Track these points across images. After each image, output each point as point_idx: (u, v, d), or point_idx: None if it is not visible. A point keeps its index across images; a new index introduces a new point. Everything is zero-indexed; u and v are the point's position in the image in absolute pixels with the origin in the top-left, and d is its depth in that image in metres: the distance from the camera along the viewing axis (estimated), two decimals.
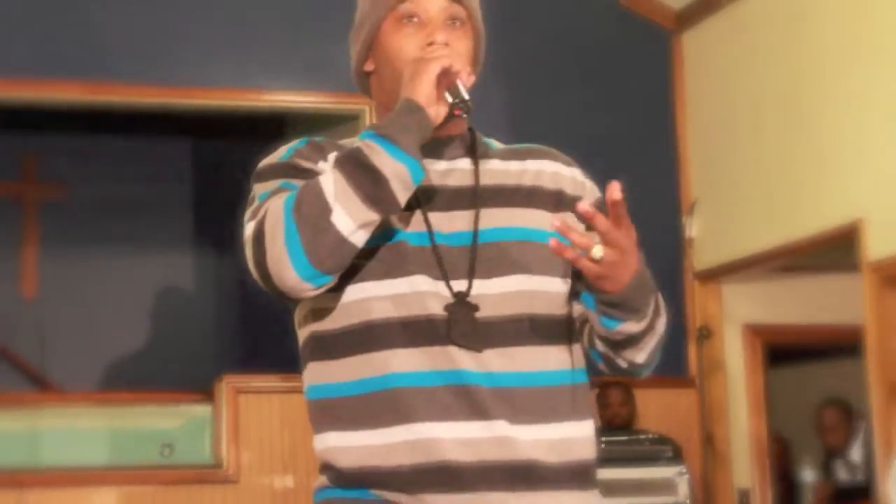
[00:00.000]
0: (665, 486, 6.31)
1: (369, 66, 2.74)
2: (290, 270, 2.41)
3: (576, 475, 2.65)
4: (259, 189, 2.60)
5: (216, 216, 10.06)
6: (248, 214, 2.56)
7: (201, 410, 8.27)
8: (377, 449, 2.56)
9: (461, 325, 2.54)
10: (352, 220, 2.41)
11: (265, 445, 8.12)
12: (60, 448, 8.01)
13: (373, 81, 2.75)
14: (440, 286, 2.55)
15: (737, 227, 8.86)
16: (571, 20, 9.30)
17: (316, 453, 2.70)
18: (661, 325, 2.71)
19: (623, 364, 2.74)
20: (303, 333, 2.74)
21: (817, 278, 9.19)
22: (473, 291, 2.56)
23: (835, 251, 8.29)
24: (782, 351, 9.66)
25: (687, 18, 9.38)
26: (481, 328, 2.55)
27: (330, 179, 2.42)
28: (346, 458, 2.61)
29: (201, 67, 8.49)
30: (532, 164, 2.78)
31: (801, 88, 8.36)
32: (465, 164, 2.74)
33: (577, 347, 2.72)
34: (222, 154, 10.07)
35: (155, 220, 9.99)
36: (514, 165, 2.77)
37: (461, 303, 2.55)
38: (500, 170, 2.75)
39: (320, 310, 2.63)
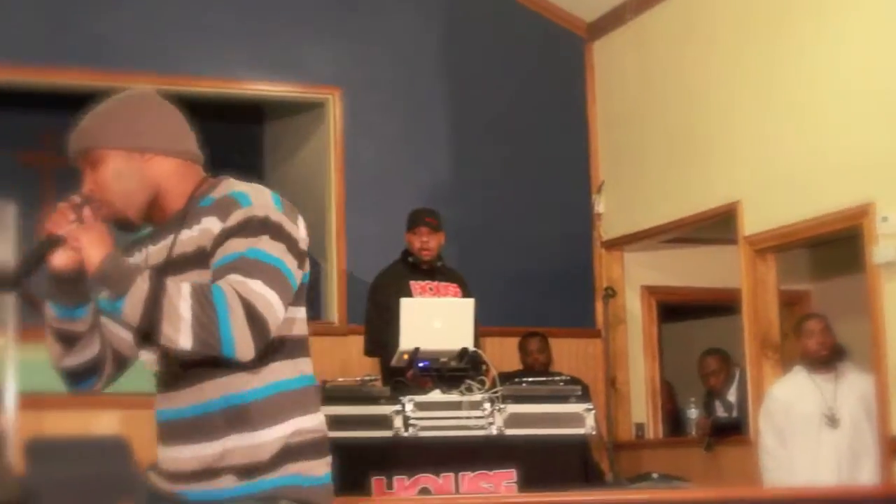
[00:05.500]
0: (575, 420, 6.34)
1: None
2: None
3: None
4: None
5: None
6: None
7: None
8: None
9: None
10: (54, 360, 2.84)
11: None
12: None
13: None
14: None
15: (637, 204, 8.93)
16: (501, 31, 9.32)
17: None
18: None
19: None
20: None
21: (702, 248, 9.28)
22: None
23: (717, 226, 8.38)
24: (673, 309, 9.73)
25: (597, 29, 9.43)
26: None
27: None
28: None
29: (189, 59, 8.47)
30: (189, 232, 2.77)
31: (690, 89, 8.45)
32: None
33: None
34: (208, 134, 9.96)
35: None
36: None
37: None
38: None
39: None
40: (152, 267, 2.72)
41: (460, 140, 9.09)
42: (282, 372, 2.72)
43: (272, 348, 2.67)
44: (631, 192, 9.04)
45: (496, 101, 9.24)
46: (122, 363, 2.91)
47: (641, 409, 9.10)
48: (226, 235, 2.66)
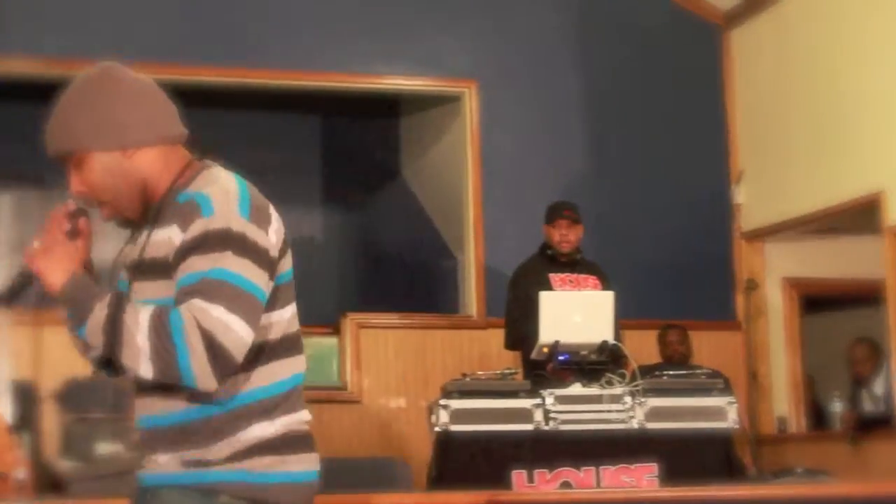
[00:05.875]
0: (717, 414, 6.27)
1: None
2: None
3: None
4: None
5: (341, 181, 10.09)
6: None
7: (329, 342, 8.37)
8: None
9: None
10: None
11: (382, 372, 8.19)
12: None
13: None
14: None
15: (778, 194, 8.81)
16: (636, 21, 9.24)
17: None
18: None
19: None
20: None
21: (845, 239, 9.10)
22: None
23: (860, 216, 8.22)
24: (815, 300, 9.58)
25: (734, 17, 9.30)
26: None
27: None
28: None
29: (326, 54, 8.54)
30: (158, 235, 2.68)
31: (834, 77, 8.31)
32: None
33: None
34: (346, 128, 10.09)
35: (288, 184, 9.99)
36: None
37: None
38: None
39: None
40: (126, 267, 2.70)
41: (597, 132, 9.04)
42: (252, 382, 2.65)
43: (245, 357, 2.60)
44: (772, 182, 8.91)
45: (632, 93, 9.17)
46: None
47: (783, 403, 8.98)
48: (186, 251, 2.56)
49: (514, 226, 8.31)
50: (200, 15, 8.32)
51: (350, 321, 8.25)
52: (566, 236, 7.00)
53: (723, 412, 6.29)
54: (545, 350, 6.31)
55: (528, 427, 6.09)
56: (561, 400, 6.13)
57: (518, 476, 5.98)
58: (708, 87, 9.35)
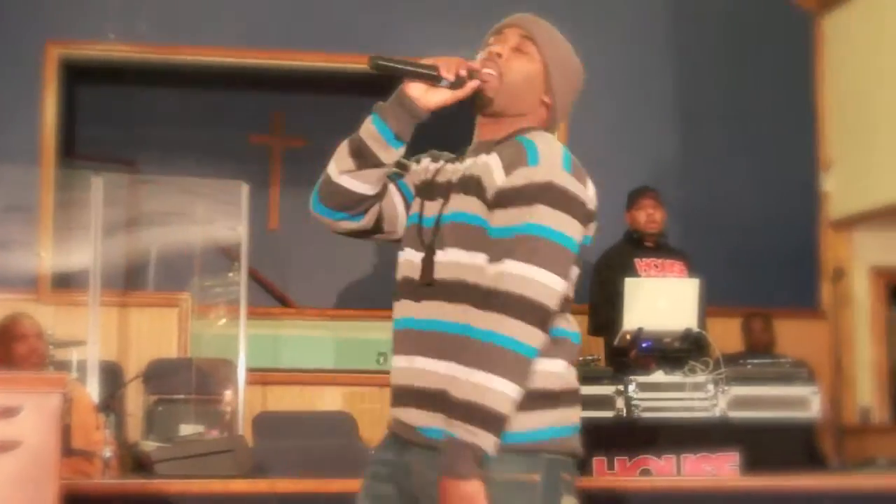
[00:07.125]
0: (800, 403, 6.22)
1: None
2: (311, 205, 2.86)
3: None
4: None
5: None
6: None
7: None
8: None
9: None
10: (335, 167, 2.78)
11: None
12: (297, 354, 8.20)
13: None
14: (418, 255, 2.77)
15: (867, 183, 8.69)
16: (726, 6, 9.15)
17: None
18: None
19: None
20: None
21: None
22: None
23: None
24: None
25: (827, 3, 9.17)
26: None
27: None
28: None
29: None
30: (482, 158, 2.76)
31: None
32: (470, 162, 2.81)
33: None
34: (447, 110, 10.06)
35: None
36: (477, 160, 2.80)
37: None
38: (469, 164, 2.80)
39: None
40: (441, 183, 2.79)
41: (684, 119, 8.95)
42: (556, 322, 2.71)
43: None
44: (861, 170, 8.79)
45: (721, 79, 9.07)
46: (378, 228, 2.92)
47: (867, 394, 8.87)
48: (506, 197, 2.66)
49: (599, 212, 8.22)
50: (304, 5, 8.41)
51: None
52: (652, 216, 6.95)
53: (806, 402, 6.23)
54: (628, 337, 6.29)
55: (610, 414, 6.06)
56: (643, 387, 6.09)
57: (598, 463, 5.96)
58: (798, 74, 9.21)
